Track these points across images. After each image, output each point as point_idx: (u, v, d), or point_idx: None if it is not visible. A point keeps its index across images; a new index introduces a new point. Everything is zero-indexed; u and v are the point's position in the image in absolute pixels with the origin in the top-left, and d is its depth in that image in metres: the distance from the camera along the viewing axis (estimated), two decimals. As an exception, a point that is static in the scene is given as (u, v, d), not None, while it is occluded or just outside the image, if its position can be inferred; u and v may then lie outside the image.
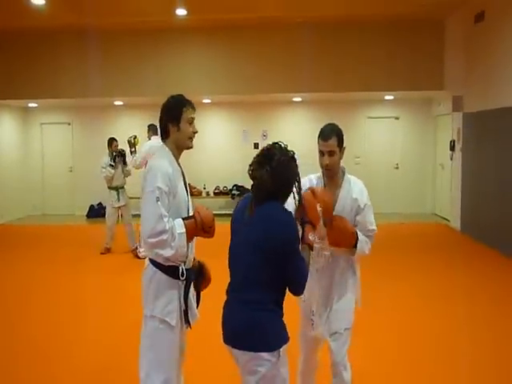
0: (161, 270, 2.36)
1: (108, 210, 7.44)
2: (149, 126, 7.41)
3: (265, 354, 1.97)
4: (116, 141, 7.39)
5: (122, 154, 7.33)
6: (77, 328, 4.49)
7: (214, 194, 11.00)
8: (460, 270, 6.23)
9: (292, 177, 2.11)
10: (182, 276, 2.34)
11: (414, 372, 3.54)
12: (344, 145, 2.58)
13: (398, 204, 10.62)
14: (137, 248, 7.11)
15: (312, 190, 2.37)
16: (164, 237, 2.23)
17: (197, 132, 2.46)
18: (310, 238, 2.19)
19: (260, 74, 9.54)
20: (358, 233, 2.58)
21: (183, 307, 2.37)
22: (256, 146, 11.10)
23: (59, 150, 11.49)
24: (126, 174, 7.37)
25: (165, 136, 2.46)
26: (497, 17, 7.38)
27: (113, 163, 7.22)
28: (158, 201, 2.24)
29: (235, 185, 11.04)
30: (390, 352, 3.90)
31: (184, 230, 2.29)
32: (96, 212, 10.97)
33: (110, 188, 7.36)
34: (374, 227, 2.66)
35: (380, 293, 5.18)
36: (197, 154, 10.07)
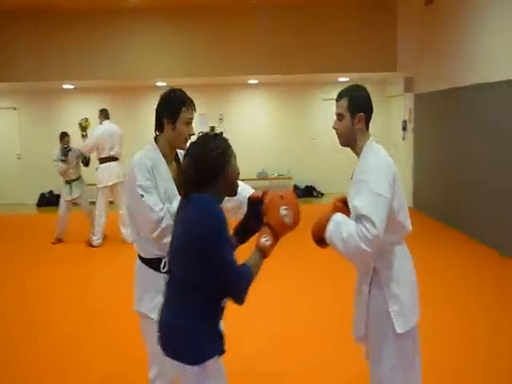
0: (145, 263, 2.31)
1: (61, 201, 7.25)
2: (100, 111, 7.25)
3: (188, 366, 1.82)
4: (68, 136, 7.18)
5: (82, 154, 7.08)
6: (38, 319, 4.35)
7: (171, 178, 10.82)
8: (413, 243, 6.42)
9: (216, 162, 1.87)
10: (164, 268, 2.25)
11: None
12: (361, 112, 2.15)
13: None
14: (93, 236, 6.98)
15: (281, 192, 2.07)
16: (163, 225, 2.17)
17: (193, 134, 2.30)
18: (261, 240, 1.89)
19: (215, 56, 9.39)
20: (336, 220, 2.08)
21: None
22: (212, 129, 10.97)
23: (5, 136, 10.96)
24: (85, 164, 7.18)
25: (159, 130, 2.35)
26: (446, -1, 7.55)
27: (64, 158, 6.99)
28: (142, 197, 2.19)
29: (192, 169, 10.91)
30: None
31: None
32: (47, 200, 10.58)
33: (65, 181, 7.18)
34: (365, 212, 1.93)
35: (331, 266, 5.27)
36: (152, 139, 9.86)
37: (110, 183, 6.96)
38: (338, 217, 2.08)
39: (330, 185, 10.77)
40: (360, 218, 1.94)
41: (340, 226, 2.02)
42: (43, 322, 4.31)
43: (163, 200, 2.23)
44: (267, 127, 10.88)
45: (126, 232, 6.75)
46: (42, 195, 10.77)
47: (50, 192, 10.65)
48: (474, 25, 6.68)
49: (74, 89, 10.60)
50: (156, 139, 2.36)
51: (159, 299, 2.13)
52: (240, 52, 9.34)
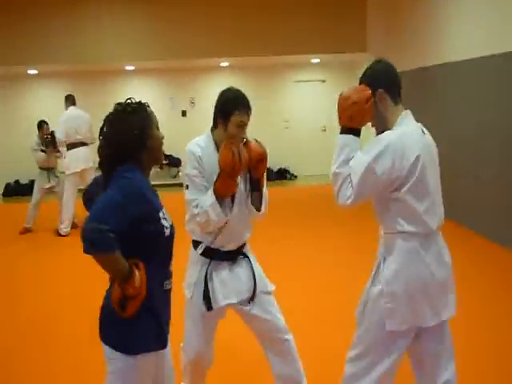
0: (192, 242, 2.45)
1: (35, 189, 7.01)
2: (66, 97, 7.08)
3: (107, 349, 1.74)
4: (47, 124, 6.96)
5: (53, 136, 6.85)
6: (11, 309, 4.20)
7: (142, 164, 10.62)
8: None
9: (133, 139, 1.75)
10: (200, 250, 2.36)
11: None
12: (379, 89, 1.97)
13: (326, 166, 10.81)
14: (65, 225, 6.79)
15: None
16: (197, 218, 2.27)
17: (245, 138, 2.33)
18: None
19: (184, 38, 9.14)
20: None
21: (202, 285, 2.34)
22: (184, 113, 10.79)
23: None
24: (58, 156, 6.99)
25: (214, 125, 2.37)
26: (415, -22, 7.52)
27: (45, 148, 6.82)
28: (187, 188, 2.30)
29: (163, 154, 10.72)
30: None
31: (213, 198, 2.24)
32: (14, 190, 10.23)
33: (40, 168, 6.97)
34: (353, 178, 1.91)
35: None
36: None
37: (78, 169, 6.78)
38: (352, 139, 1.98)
39: (304, 167, 10.77)
40: (348, 176, 1.93)
41: (348, 153, 1.96)
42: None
43: (207, 188, 2.30)
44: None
45: None
46: (8, 185, 10.40)
47: (17, 181, 10.31)
48: (443, 3, 6.68)
49: (37, 74, 10.21)
50: (212, 130, 2.39)
51: (193, 279, 2.37)
52: (209, 34, 9.12)
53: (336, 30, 9.34)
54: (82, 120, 6.85)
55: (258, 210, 2.41)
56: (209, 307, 2.34)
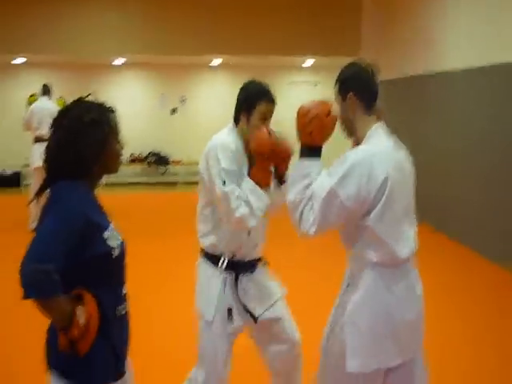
0: (206, 257, 2.25)
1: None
2: (42, 86, 6.78)
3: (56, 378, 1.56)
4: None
5: None
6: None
7: (130, 161, 10.46)
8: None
9: (83, 147, 1.54)
10: (222, 265, 2.18)
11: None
12: (350, 92, 1.82)
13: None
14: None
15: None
16: (240, 211, 2.04)
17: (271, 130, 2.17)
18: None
19: (176, 33, 9.01)
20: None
21: (229, 304, 2.18)
22: (174, 111, 10.65)
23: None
24: None
25: (236, 122, 2.24)
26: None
27: None
28: (223, 183, 2.06)
29: (151, 151, 10.58)
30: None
31: (251, 185, 2.09)
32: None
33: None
34: (315, 204, 1.71)
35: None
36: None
37: (41, 164, 6.52)
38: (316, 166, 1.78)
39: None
40: (309, 202, 1.72)
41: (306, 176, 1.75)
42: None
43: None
44: (230, 110, 10.62)
45: None
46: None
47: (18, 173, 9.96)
48: (437, 11, 6.66)
49: (24, 64, 9.97)
50: (234, 126, 2.26)
51: (213, 299, 2.17)
52: (202, 30, 9.00)
53: (330, 34, 9.30)
54: (46, 112, 6.23)
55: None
56: (255, 319, 2.21)
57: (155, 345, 3.39)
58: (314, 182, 1.74)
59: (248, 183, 2.10)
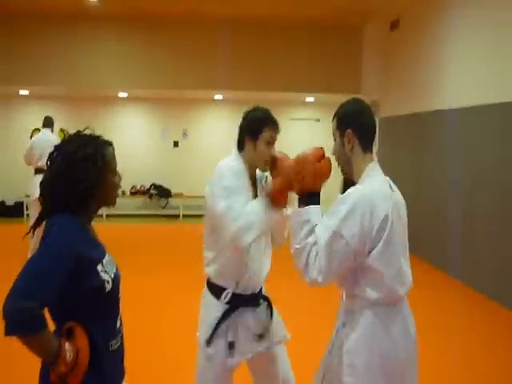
0: (209, 287, 2.24)
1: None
2: (44, 118, 6.84)
3: None
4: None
5: None
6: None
7: (131, 193, 10.47)
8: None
9: (76, 182, 1.54)
10: (225, 298, 2.16)
11: None
12: (348, 129, 1.82)
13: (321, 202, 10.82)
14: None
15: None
16: (238, 222, 2.02)
17: (274, 156, 2.19)
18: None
19: (179, 69, 9.21)
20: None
21: (230, 337, 2.14)
22: (176, 144, 10.76)
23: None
24: None
25: (240, 149, 2.26)
26: (411, 25, 7.69)
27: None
28: (224, 199, 2.06)
29: (153, 184, 10.61)
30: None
31: (254, 203, 2.09)
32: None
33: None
34: (320, 251, 1.69)
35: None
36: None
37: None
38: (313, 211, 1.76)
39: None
40: (312, 249, 1.69)
41: (307, 222, 1.74)
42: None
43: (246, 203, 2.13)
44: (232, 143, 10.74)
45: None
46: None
47: (2, 203, 10.07)
48: (437, 52, 6.81)
49: (28, 96, 10.12)
50: (239, 152, 2.27)
51: (210, 331, 2.12)
52: (205, 66, 9.20)
53: (332, 71, 9.49)
54: (47, 144, 6.22)
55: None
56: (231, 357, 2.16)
57: (154, 378, 3.32)
58: (315, 227, 1.73)
59: (251, 204, 2.11)
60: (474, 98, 5.77)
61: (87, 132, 1.65)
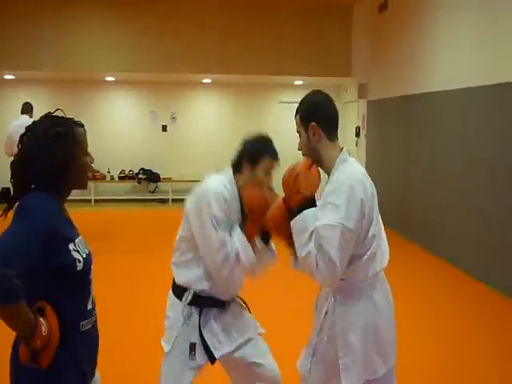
0: (173, 287, 2.24)
1: None
2: (23, 104, 6.73)
3: None
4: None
5: None
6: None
7: (119, 178, 10.41)
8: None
9: (47, 158, 1.54)
10: (186, 300, 2.14)
11: None
12: (312, 122, 1.87)
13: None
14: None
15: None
16: (229, 262, 2.08)
17: (271, 187, 2.21)
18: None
19: (169, 51, 9.10)
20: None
21: (192, 338, 2.12)
22: (164, 128, 10.67)
23: None
24: None
25: (237, 169, 2.21)
26: (399, 7, 7.65)
27: None
28: (215, 230, 2.07)
29: (142, 168, 10.55)
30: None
31: (242, 236, 2.12)
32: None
33: None
34: (325, 246, 1.71)
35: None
36: (100, 135, 9.44)
37: None
38: (310, 214, 1.78)
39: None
40: (319, 249, 1.71)
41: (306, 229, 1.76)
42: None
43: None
44: (221, 128, 10.72)
45: None
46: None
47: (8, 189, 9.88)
48: (425, 34, 6.80)
49: (14, 80, 9.97)
50: (234, 173, 2.23)
51: (174, 331, 2.13)
52: (191, 49, 9.09)
53: (323, 54, 9.44)
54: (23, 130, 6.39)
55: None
56: (212, 360, 2.15)
57: (128, 363, 3.33)
58: (313, 229, 1.76)
59: (238, 234, 2.12)
60: (461, 81, 5.79)
61: (58, 114, 1.66)
